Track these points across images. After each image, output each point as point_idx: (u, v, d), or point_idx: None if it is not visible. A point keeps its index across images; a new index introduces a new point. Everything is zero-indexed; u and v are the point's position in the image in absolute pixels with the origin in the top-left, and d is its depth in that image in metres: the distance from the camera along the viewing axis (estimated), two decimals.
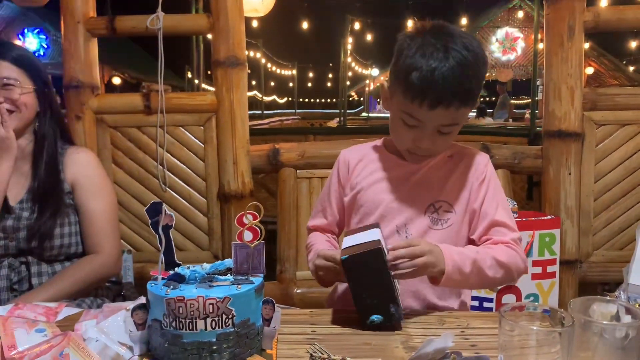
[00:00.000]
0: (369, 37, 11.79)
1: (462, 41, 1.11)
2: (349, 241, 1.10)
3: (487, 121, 8.43)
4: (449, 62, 1.09)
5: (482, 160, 1.27)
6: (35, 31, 10.70)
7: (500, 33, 10.48)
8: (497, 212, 1.21)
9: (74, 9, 2.20)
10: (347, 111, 8.37)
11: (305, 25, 10.43)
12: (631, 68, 13.02)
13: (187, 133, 2.26)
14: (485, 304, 1.91)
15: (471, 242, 1.25)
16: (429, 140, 1.18)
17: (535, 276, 1.93)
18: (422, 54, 1.11)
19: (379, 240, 1.06)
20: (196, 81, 6.71)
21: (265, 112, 14.23)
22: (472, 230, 1.24)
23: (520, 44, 10.53)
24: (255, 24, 8.74)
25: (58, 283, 1.43)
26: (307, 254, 1.39)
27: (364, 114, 15.94)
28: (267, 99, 20.77)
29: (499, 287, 1.89)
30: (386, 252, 1.06)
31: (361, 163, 1.34)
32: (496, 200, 1.23)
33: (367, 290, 1.05)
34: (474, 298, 1.90)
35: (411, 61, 1.11)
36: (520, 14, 10.53)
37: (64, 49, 2.23)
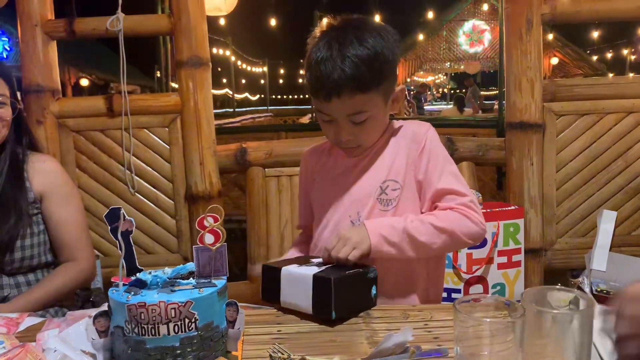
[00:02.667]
0: None
1: (356, 33, 1.15)
2: (303, 298, 1.10)
3: (468, 112, 8.50)
4: (332, 53, 1.14)
5: (421, 130, 1.26)
6: None
7: (467, 26, 10.61)
8: (440, 180, 1.21)
9: (31, 11, 2.16)
10: None
11: (273, 22, 10.40)
12: (595, 57, 13.34)
13: (152, 135, 2.24)
14: (454, 295, 1.94)
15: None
16: (346, 132, 1.20)
17: (501, 266, 1.97)
18: (315, 51, 1.17)
19: (319, 276, 1.08)
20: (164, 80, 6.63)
21: (237, 109, 14.15)
22: (422, 203, 1.25)
23: (487, 37, 10.69)
24: (223, 21, 8.67)
25: (37, 292, 1.40)
26: None
27: None
28: (239, 96, 20.61)
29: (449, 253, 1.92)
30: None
31: (319, 162, 1.37)
32: (439, 167, 1.22)
33: (355, 298, 1.11)
34: None
35: (309, 59, 1.18)
36: (485, 6, 10.67)
37: (22, 53, 2.18)
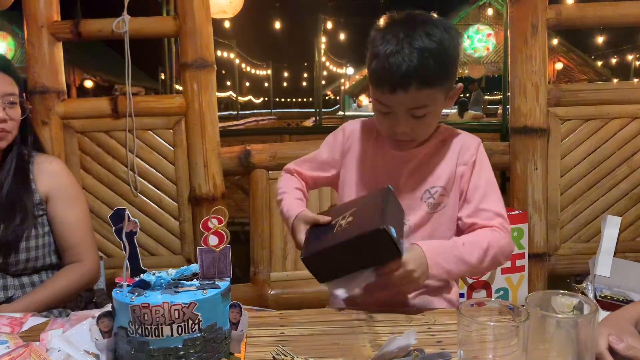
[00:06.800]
0: (342, 36, 11.82)
1: (425, 27, 1.15)
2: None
3: (469, 115, 8.48)
4: (403, 46, 1.13)
5: (473, 143, 1.28)
6: (2, 34, 10.45)
7: (472, 30, 10.60)
8: (484, 198, 1.23)
9: (37, 12, 2.17)
10: (323, 110, 8.39)
11: (278, 25, 10.42)
12: (599, 63, 13.33)
13: (156, 136, 2.25)
14: None
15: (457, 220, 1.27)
16: (404, 125, 1.19)
17: (504, 270, 1.97)
18: (382, 43, 1.16)
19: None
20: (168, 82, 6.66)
21: (241, 112, 14.16)
22: (459, 210, 1.26)
23: (492, 41, 10.67)
24: (227, 24, 8.69)
25: (41, 293, 1.40)
26: (278, 201, 1.37)
27: (340, 112, 15.99)
28: (242, 99, 20.64)
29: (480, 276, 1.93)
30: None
31: (365, 142, 1.34)
32: (483, 184, 1.24)
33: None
34: None
35: (374, 50, 1.17)
36: (490, 11, 10.67)
37: (28, 54, 2.19)
